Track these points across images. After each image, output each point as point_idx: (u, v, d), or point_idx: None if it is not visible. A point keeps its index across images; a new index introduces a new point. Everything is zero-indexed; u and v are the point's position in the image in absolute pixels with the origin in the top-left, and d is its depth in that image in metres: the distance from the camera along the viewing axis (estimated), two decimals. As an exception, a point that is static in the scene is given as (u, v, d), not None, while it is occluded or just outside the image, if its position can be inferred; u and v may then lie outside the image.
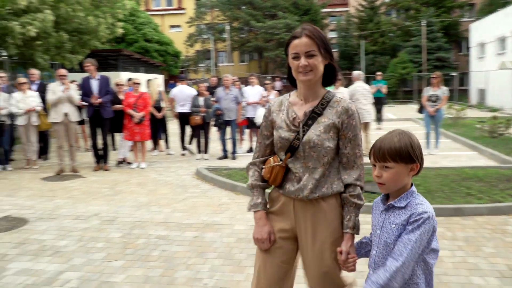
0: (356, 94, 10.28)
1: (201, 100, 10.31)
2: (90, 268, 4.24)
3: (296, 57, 2.17)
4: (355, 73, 10.86)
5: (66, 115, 8.79)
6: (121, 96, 9.66)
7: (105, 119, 9.04)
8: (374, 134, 13.95)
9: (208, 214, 5.99)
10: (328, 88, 2.34)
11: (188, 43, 45.11)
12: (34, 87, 10.07)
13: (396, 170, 1.88)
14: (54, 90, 8.74)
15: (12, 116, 9.25)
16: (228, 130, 10.60)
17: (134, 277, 4.00)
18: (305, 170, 2.24)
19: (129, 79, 10.79)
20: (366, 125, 10.43)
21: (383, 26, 40.24)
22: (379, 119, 16.07)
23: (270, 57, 42.14)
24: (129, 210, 6.13)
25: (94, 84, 8.95)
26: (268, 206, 2.40)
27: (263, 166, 2.35)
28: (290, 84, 2.37)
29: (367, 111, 10.40)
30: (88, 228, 5.43)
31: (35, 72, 10.52)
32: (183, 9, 49.41)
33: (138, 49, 32.79)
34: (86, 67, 8.98)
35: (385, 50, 40.03)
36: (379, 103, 15.85)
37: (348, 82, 13.26)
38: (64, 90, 8.68)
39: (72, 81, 10.06)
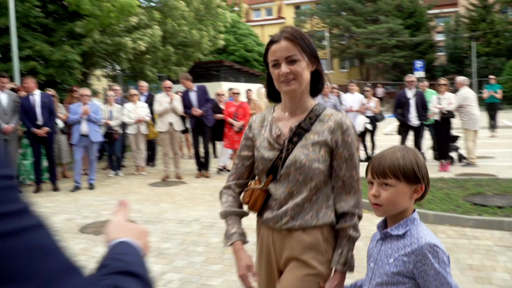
0: (468, 100, 9.60)
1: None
2: (191, 270, 4.39)
3: (276, 64, 1.84)
4: (460, 78, 10.14)
5: (171, 124, 9.28)
6: (222, 106, 9.97)
7: (206, 127, 9.40)
8: (488, 143, 13.00)
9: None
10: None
11: (288, 52, 45.51)
12: (143, 98, 10.77)
13: (397, 189, 1.58)
14: (160, 101, 9.28)
15: (123, 125, 9.98)
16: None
17: (230, 282, 4.07)
18: (287, 196, 1.90)
19: (230, 89, 11.11)
20: (474, 133, 9.71)
21: (498, 26, 37.36)
22: (493, 126, 14.91)
23: (372, 63, 41.13)
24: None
25: (193, 96, 9.36)
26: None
27: (243, 190, 2.06)
28: (270, 99, 2.06)
29: (479, 118, 9.68)
30: (190, 232, 5.64)
31: (144, 84, 11.25)
32: (282, 18, 50.10)
33: (238, 58, 33.77)
34: (182, 83, 9.42)
35: (500, 52, 37.08)
36: (493, 109, 14.76)
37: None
38: (169, 101, 9.18)
39: (176, 92, 10.61)
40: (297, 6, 49.36)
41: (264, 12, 51.96)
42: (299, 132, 1.90)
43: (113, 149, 10.04)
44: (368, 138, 10.85)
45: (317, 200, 1.90)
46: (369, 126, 10.66)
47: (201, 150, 9.68)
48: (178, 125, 9.43)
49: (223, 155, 10.37)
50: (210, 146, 10.15)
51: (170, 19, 14.64)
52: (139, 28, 13.47)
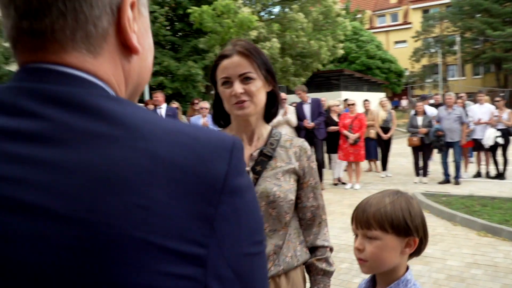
0: None
1: (419, 120, 9.74)
2: None
3: (227, 82, 1.57)
4: None
5: (284, 136, 9.37)
6: (334, 117, 9.81)
7: (317, 139, 9.34)
8: None
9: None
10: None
11: (413, 58, 43.52)
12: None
13: (384, 243, 1.31)
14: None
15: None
16: (451, 152, 9.73)
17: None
18: None
19: (345, 100, 10.89)
20: None
21: None
22: None
23: (511, 69, 37.47)
24: (337, 232, 6.11)
25: (306, 109, 9.35)
26: None
27: None
28: (215, 122, 1.79)
29: None
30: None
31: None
32: (409, 23, 47.99)
33: (360, 65, 33.08)
34: (297, 94, 9.46)
35: None
36: None
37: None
38: (283, 114, 9.27)
39: (291, 104, 10.67)
40: (425, 10, 46.90)
41: (389, 18, 50.26)
42: (262, 160, 1.65)
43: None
44: (499, 153, 9.86)
45: (290, 238, 1.68)
46: (501, 140, 9.67)
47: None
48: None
49: (337, 167, 10.18)
50: (324, 157, 10.02)
51: (289, 31, 14.84)
52: (258, 41, 13.85)
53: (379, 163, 11.55)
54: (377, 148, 11.12)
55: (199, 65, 11.56)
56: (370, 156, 11.17)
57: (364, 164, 11.48)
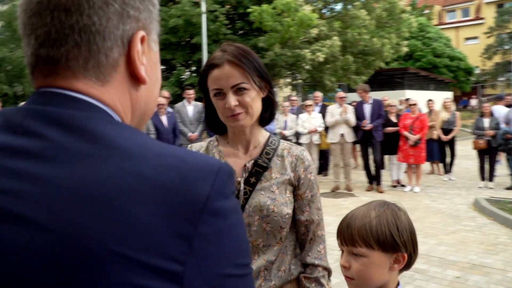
0: None
1: (486, 122, 9.25)
2: None
3: (219, 93, 1.48)
4: None
5: (342, 135, 9.22)
6: (392, 117, 9.53)
7: (375, 140, 9.14)
8: None
9: (479, 253, 5.27)
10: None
11: (485, 56, 41.33)
12: (317, 108, 10.93)
13: (371, 260, 1.22)
14: (332, 112, 9.30)
15: (297, 135, 10.27)
16: (520, 155, 9.17)
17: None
18: (252, 252, 1.55)
19: (406, 99, 10.55)
20: None
21: None
22: None
23: None
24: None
25: (367, 109, 9.16)
26: None
27: None
28: (210, 129, 1.68)
29: None
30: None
31: (318, 94, 11.41)
32: (481, 19, 45.61)
33: (426, 64, 31.87)
34: (358, 93, 9.29)
35: None
36: None
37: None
38: (341, 113, 9.13)
39: (352, 103, 10.48)
40: (499, 5, 44.34)
41: (459, 13, 48.00)
42: (256, 171, 1.56)
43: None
44: None
45: (286, 251, 1.60)
46: None
47: (372, 163, 9.42)
48: (350, 137, 9.32)
49: (396, 169, 9.90)
50: (381, 158, 9.78)
51: (350, 28, 14.59)
52: (319, 39, 13.72)
53: (442, 165, 11.11)
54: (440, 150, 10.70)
55: (258, 64, 11.63)
56: (432, 158, 10.79)
57: (426, 166, 11.08)
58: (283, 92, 17.82)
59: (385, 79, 22.59)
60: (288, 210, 1.55)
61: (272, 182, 1.56)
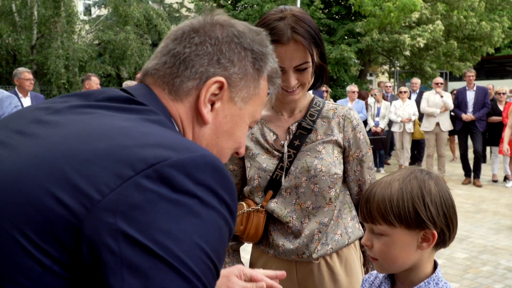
0: None
1: None
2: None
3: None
4: None
5: (437, 124, 8.73)
6: (501, 106, 8.80)
7: (477, 130, 8.49)
8: None
9: None
10: None
11: None
12: (414, 96, 10.43)
13: (392, 239, 1.07)
14: (429, 98, 8.83)
15: (390, 123, 9.91)
16: None
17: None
18: (301, 215, 1.50)
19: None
20: None
21: None
22: None
23: None
24: (485, 232, 5.56)
25: (470, 96, 8.51)
26: None
27: None
28: None
29: None
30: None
31: (416, 81, 10.88)
32: None
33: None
34: (466, 77, 8.67)
35: None
36: None
37: None
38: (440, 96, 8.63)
39: (452, 91, 9.87)
40: None
41: None
42: (300, 134, 1.53)
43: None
44: None
45: (340, 214, 1.56)
46: None
47: (471, 155, 8.81)
48: (446, 125, 8.78)
49: (496, 163, 9.16)
50: (482, 149, 9.11)
51: (456, 11, 13.66)
52: (420, 24, 13.04)
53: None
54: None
55: (352, 49, 11.35)
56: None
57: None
58: (379, 79, 17.26)
59: (494, 67, 20.88)
60: (336, 170, 1.52)
61: (317, 143, 1.54)
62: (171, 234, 0.59)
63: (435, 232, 1.07)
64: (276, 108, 1.61)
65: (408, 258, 1.09)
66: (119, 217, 0.58)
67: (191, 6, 13.39)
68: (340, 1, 12.46)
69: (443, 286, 1.10)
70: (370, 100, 10.17)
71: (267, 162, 1.54)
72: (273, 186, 1.52)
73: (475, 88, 8.57)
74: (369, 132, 9.38)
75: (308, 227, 1.51)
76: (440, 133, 8.81)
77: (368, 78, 16.36)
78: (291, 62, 1.42)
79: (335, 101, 10.15)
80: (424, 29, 12.73)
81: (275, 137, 1.56)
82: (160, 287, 0.58)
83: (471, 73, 8.75)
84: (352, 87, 9.04)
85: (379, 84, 11.68)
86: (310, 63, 1.45)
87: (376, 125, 9.80)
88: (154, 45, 11.02)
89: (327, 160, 1.51)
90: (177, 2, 13.14)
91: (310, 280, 1.54)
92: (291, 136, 1.55)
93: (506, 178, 8.87)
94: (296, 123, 1.56)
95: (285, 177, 1.51)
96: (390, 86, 11.17)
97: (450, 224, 1.10)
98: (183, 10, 13.14)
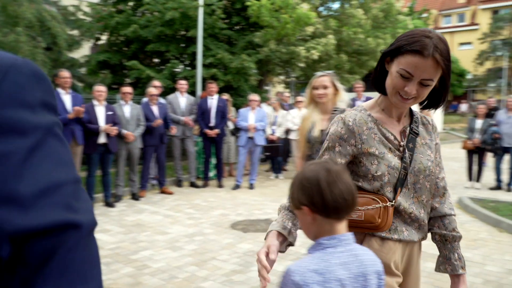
0: None
1: (478, 123, 9.43)
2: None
3: (406, 77, 1.58)
4: None
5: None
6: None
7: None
8: None
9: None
10: None
11: (478, 61, 41.64)
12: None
13: (299, 216, 1.47)
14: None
15: (287, 131, 10.37)
16: (507, 158, 9.34)
17: None
18: (419, 207, 1.77)
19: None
20: None
21: None
22: None
23: None
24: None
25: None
26: None
27: (362, 208, 1.70)
28: (376, 89, 1.80)
29: None
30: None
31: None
32: (476, 24, 45.94)
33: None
34: (355, 89, 9.39)
35: None
36: None
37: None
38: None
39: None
40: (495, 11, 44.69)
41: (455, 18, 48.28)
42: (411, 137, 1.78)
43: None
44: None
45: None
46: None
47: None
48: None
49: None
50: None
51: (346, 27, 14.67)
52: (314, 37, 13.79)
53: None
54: None
55: (252, 59, 11.67)
56: None
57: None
58: (276, 89, 17.91)
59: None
60: (435, 170, 1.83)
61: (424, 146, 1.81)
62: None
63: (306, 207, 1.40)
64: (387, 111, 1.80)
65: (311, 229, 1.46)
66: None
67: (88, 9, 12.84)
68: (240, 12, 12.74)
69: (319, 251, 1.40)
70: (267, 109, 10.54)
71: (394, 161, 1.73)
72: (400, 183, 1.73)
73: (363, 99, 9.28)
74: (266, 140, 9.68)
75: (421, 217, 1.78)
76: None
77: (265, 88, 16.88)
78: (422, 74, 1.57)
79: (236, 110, 10.35)
80: (318, 42, 13.49)
81: (392, 138, 1.76)
82: None
83: (359, 85, 9.51)
84: (254, 96, 9.32)
85: (277, 94, 12.12)
86: (434, 81, 1.61)
87: (273, 133, 10.17)
88: (48, 49, 10.35)
89: (434, 162, 1.81)
90: (72, 5, 12.47)
91: (414, 257, 1.85)
92: (405, 139, 1.78)
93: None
94: (408, 127, 1.80)
95: (406, 175, 1.74)
96: (288, 96, 11.67)
97: (319, 200, 1.38)
98: (80, 14, 12.49)
